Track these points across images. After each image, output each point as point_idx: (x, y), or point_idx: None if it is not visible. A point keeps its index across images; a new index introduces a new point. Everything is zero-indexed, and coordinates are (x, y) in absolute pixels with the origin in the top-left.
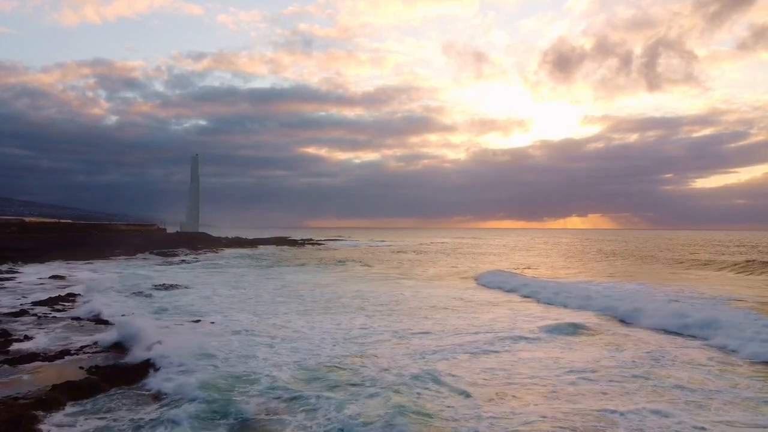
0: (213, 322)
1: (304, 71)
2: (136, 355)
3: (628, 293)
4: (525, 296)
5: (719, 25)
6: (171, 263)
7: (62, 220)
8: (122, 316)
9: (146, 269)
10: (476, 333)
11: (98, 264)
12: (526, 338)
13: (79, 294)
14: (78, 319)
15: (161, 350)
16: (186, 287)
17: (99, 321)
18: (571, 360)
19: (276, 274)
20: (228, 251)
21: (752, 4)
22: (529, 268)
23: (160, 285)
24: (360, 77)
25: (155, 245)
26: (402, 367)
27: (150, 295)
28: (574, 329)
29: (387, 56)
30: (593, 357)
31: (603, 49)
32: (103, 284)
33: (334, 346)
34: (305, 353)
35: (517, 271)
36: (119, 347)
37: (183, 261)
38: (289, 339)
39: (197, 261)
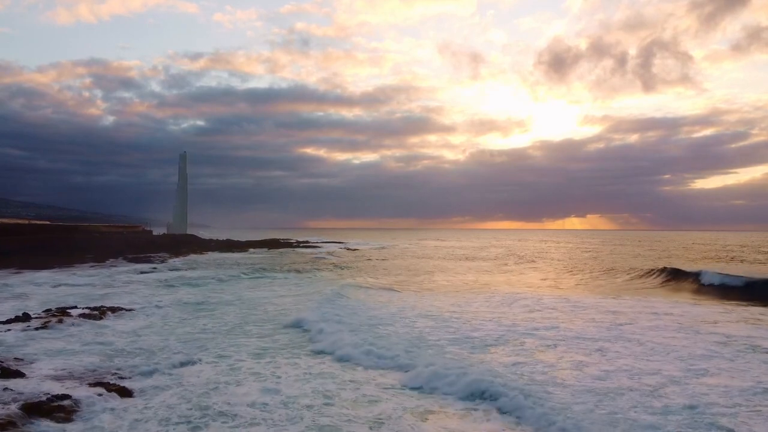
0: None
1: (302, 71)
2: None
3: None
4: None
5: (714, 27)
6: (140, 271)
7: (33, 221)
8: None
9: (100, 280)
10: None
11: (54, 273)
12: None
13: None
14: None
15: None
16: (130, 311)
17: None
18: None
19: (252, 285)
20: (213, 255)
21: (746, 6)
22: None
23: (96, 307)
24: (358, 77)
25: (134, 249)
26: None
27: (72, 324)
28: None
29: (385, 56)
30: None
31: (599, 49)
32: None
33: None
34: None
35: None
36: None
37: (154, 269)
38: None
39: (170, 269)
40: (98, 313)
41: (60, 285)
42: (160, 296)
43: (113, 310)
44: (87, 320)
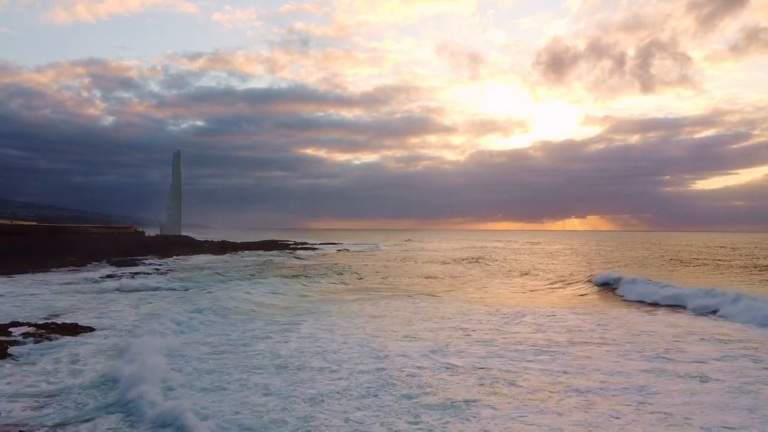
0: None
1: (302, 71)
2: None
3: None
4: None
5: (712, 28)
6: (119, 277)
7: (16, 221)
8: None
9: (71, 287)
10: None
11: (24, 278)
12: None
13: None
14: None
15: None
16: (84, 329)
17: None
18: None
19: (234, 296)
20: (204, 258)
21: (745, 7)
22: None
23: (45, 324)
24: (358, 77)
25: (122, 251)
26: None
27: (6, 348)
28: None
29: (385, 56)
30: None
31: (597, 50)
32: None
33: None
34: None
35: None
36: None
37: (135, 274)
38: None
39: (152, 273)
40: (44, 332)
41: (23, 294)
42: (128, 310)
43: (65, 328)
44: (27, 343)
